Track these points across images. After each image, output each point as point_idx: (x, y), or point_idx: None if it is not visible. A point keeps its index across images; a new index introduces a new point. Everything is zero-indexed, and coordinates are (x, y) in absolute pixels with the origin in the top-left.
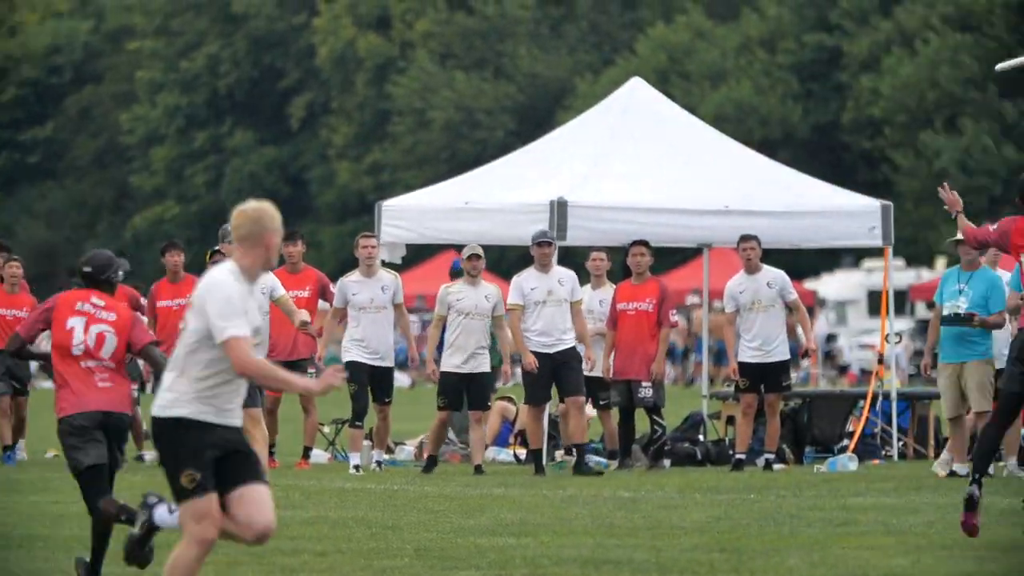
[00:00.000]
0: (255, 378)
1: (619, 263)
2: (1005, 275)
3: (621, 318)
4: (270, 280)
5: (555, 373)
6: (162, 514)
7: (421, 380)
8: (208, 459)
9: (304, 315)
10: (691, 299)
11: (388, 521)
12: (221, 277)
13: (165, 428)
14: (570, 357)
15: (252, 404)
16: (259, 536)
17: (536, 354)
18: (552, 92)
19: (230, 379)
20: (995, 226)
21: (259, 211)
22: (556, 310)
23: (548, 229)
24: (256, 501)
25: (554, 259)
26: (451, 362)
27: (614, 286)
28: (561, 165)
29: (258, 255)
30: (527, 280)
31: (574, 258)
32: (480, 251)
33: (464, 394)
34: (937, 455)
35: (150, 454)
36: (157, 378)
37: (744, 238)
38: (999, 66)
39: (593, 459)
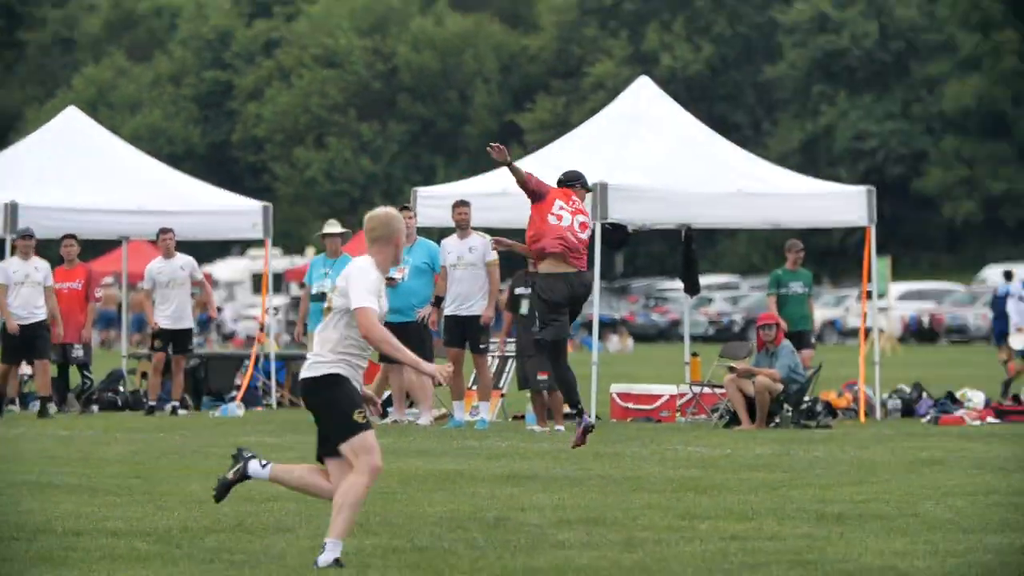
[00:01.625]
0: (377, 342)
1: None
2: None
3: (59, 295)
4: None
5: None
6: (255, 467)
7: None
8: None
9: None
10: (106, 280)
11: None
12: (366, 265)
13: (324, 383)
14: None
15: None
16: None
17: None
18: (6, 119)
19: (364, 349)
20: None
21: (389, 216)
22: (33, 291)
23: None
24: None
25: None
26: None
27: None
28: (14, 176)
29: (388, 252)
30: (9, 265)
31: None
32: None
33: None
34: None
35: None
36: None
37: (163, 230)
38: None
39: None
